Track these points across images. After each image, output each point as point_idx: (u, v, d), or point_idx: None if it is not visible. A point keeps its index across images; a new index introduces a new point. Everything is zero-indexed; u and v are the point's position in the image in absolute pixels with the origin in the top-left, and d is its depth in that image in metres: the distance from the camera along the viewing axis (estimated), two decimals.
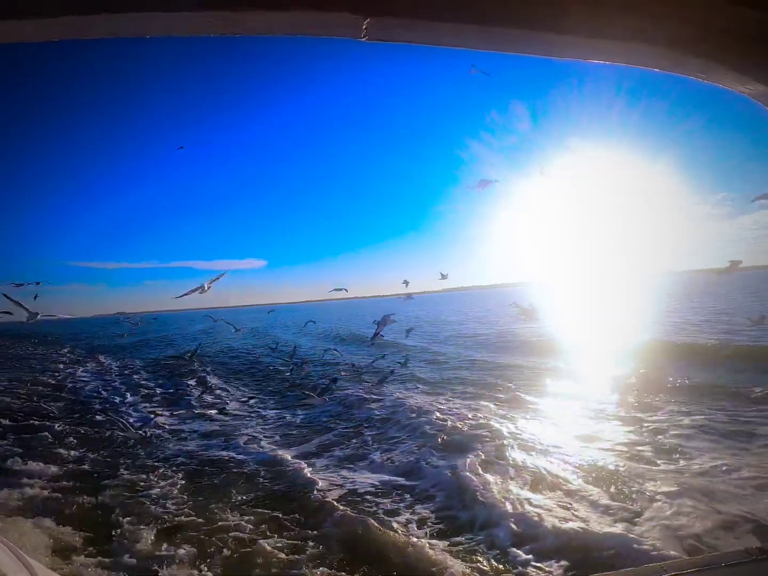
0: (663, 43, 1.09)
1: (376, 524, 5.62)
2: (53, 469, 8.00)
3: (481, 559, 4.90)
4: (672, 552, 4.53)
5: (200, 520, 6.01)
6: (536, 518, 5.46)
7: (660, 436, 7.85)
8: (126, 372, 20.98)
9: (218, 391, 15.08)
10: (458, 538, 5.33)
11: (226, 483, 7.23)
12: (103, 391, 16.14)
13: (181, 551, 5.27)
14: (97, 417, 12.06)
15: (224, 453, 8.62)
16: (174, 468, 7.94)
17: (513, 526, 5.39)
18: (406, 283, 15.37)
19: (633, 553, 4.65)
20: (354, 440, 8.97)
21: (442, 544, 5.22)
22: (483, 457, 7.32)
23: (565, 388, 11.79)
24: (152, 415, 11.94)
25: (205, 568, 5.03)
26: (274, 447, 8.80)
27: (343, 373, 15.17)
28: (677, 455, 7.04)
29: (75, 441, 9.84)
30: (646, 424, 8.52)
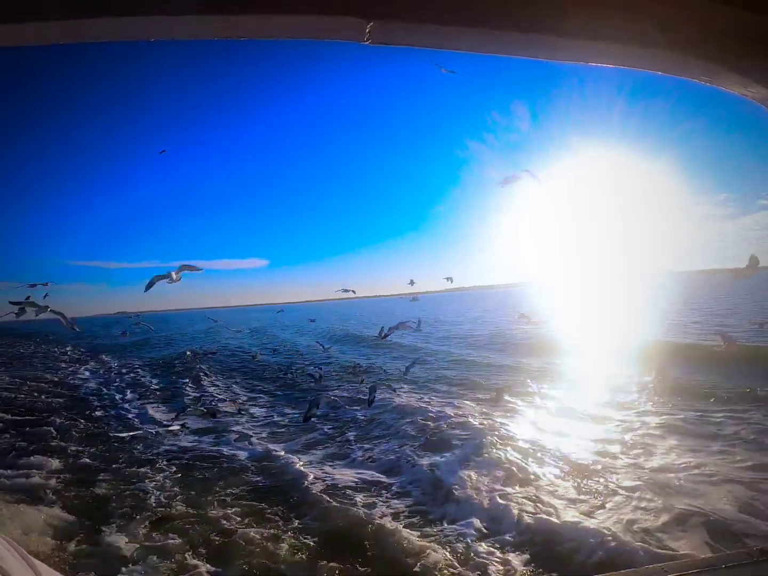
0: (664, 46, 1.10)
1: (356, 516, 5.96)
2: (55, 462, 8.39)
3: (449, 551, 5.20)
4: (672, 553, 4.64)
5: (190, 511, 6.35)
6: (504, 512, 5.79)
7: (630, 434, 8.18)
8: (126, 371, 21.39)
9: (212, 388, 15.49)
10: (429, 530, 5.65)
11: (216, 477, 7.58)
12: (103, 389, 16.58)
13: (171, 541, 5.59)
14: (97, 413, 12.51)
15: (215, 449, 9.00)
16: (167, 462, 8.32)
17: (481, 520, 5.71)
18: (412, 282, 15.55)
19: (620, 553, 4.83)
20: (338, 439, 9.30)
21: (416, 534, 5.54)
22: (460, 454, 7.66)
23: (551, 389, 12.10)
24: (149, 412, 12.40)
25: (194, 558, 5.35)
26: (264, 443, 9.17)
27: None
28: (641, 452, 7.35)
29: (76, 435, 10.27)
30: (621, 423, 8.86)
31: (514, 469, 6.91)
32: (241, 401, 13.28)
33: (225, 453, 8.72)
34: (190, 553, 5.39)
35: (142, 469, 7.93)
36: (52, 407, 13.47)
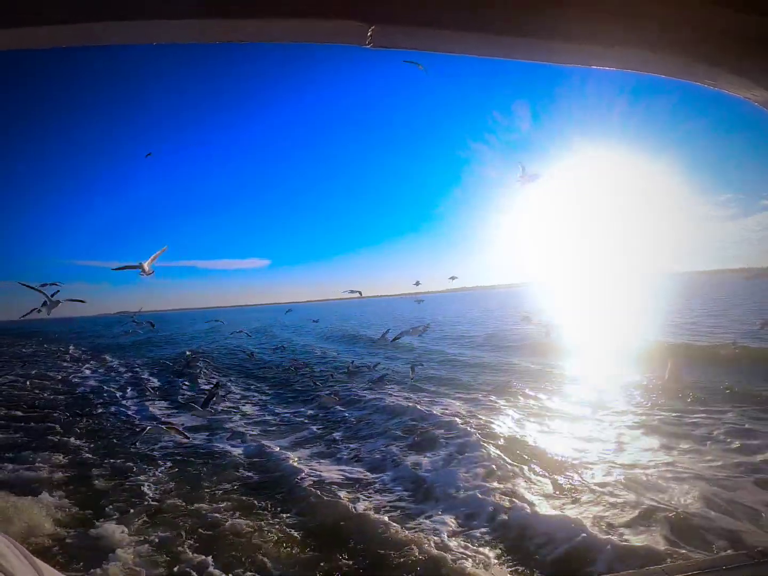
0: (665, 49, 1.10)
1: (340, 509, 6.23)
2: (58, 457, 8.74)
3: (425, 544, 5.43)
4: (673, 555, 4.70)
5: (185, 504, 6.62)
6: (481, 507, 6.05)
7: (610, 432, 8.47)
8: (126, 369, 21.73)
9: (207, 388, 15.80)
10: (408, 524, 5.90)
11: (209, 472, 7.87)
12: (104, 386, 16.97)
13: (165, 534, 5.85)
14: (99, 410, 12.95)
15: (209, 445, 9.33)
16: (163, 458, 8.65)
17: (457, 516, 5.96)
18: (417, 283, 15.76)
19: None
20: (327, 437, 9.56)
21: (394, 528, 5.79)
22: (445, 453, 7.94)
23: (538, 389, 12.34)
24: (148, 409, 12.77)
25: (188, 550, 5.59)
26: (257, 440, 9.45)
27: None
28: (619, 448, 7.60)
29: (77, 431, 10.62)
30: (601, 422, 9.12)
31: (494, 466, 7.17)
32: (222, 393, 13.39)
33: (218, 449, 9.02)
34: (183, 545, 5.59)
35: (140, 464, 8.26)
36: (55, 404, 13.86)
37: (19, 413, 12.58)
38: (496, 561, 5.07)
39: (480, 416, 9.71)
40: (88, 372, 21.27)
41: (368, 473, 7.56)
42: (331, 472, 7.66)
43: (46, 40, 0.92)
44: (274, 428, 10.61)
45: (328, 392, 12.55)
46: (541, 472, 6.93)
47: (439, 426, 9.27)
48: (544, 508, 5.90)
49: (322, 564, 5.20)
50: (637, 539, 5.01)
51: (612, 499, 5.91)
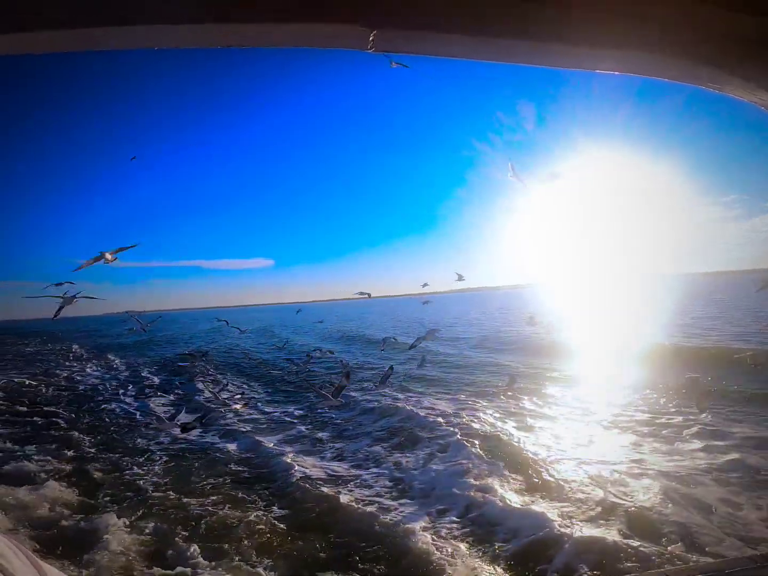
0: (669, 53, 1.09)
1: (325, 505, 6.58)
2: (61, 450, 9.24)
3: (398, 535, 5.77)
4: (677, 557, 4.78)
5: (176, 496, 7.01)
6: (456, 503, 6.40)
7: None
8: (129, 368, 22.23)
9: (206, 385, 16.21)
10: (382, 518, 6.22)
11: (201, 466, 8.28)
12: (106, 384, 17.53)
13: (156, 524, 6.20)
14: (101, 406, 13.52)
15: (203, 441, 9.74)
16: (160, 453, 9.09)
17: (430, 511, 6.30)
18: (425, 285, 16.06)
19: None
20: (314, 437, 9.91)
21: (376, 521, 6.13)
22: (427, 452, 8.31)
23: (527, 389, 12.67)
24: (149, 405, 13.26)
25: (177, 540, 5.93)
26: (248, 437, 9.84)
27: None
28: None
29: (82, 427, 11.14)
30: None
31: (470, 465, 7.50)
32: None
33: (211, 445, 9.45)
34: (175, 536, 5.90)
35: (138, 459, 8.72)
36: (60, 401, 14.42)
37: (25, 408, 13.15)
38: (465, 552, 5.39)
39: (463, 416, 10.05)
40: (91, 370, 21.78)
41: (351, 470, 7.90)
42: (316, 468, 8.02)
43: (47, 45, 0.93)
44: (264, 426, 11.00)
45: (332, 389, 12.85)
46: (515, 470, 7.26)
47: (424, 426, 9.64)
48: (515, 504, 6.23)
49: (303, 553, 5.53)
50: (595, 532, 5.33)
51: (578, 495, 6.25)
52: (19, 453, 9.03)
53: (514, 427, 9.22)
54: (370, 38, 0.97)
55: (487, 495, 6.48)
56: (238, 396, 14.33)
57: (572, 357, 16.97)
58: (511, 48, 1.08)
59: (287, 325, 48.98)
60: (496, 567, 5.06)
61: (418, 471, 7.54)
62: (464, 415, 10.02)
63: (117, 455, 8.93)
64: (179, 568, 5.23)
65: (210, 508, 6.64)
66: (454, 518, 6.07)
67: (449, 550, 5.40)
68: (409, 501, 6.64)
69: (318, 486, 7.22)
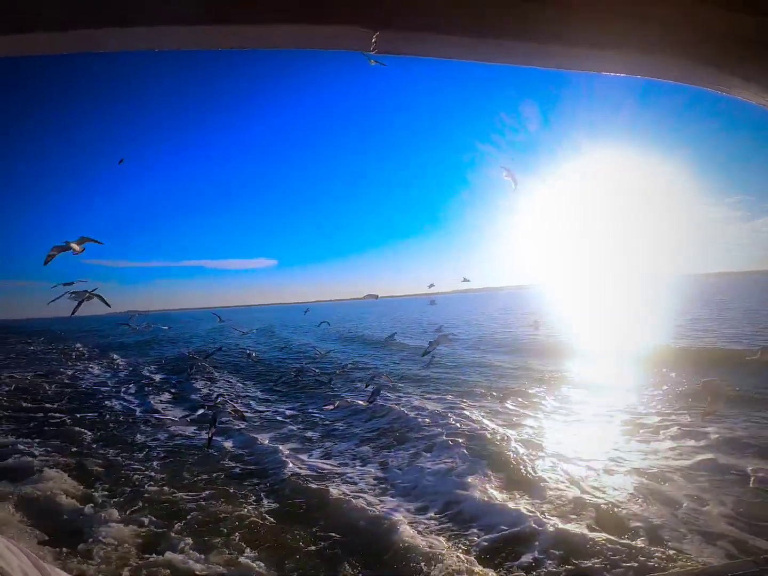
0: (674, 55, 1.09)
1: (313, 501, 6.85)
2: (64, 445, 9.63)
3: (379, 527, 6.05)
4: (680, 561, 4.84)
5: (171, 490, 7.31)
6: (437, 499, 6.68)
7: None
8: (131, 367, 22.64)
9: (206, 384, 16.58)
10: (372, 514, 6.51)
11: (196, 462, 8.60)
12: (108, 382, 18.01)
13: (150, 517, 6.49)
14: (104, 403, 13.93)
15: (197, 438, 10.06)
16: (157, 449, 9.43)
17: (409, 506, 6.58)
18: (431, 285, 16.26)
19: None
20: (303, 435, 10.21)
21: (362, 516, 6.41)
22: (413, 451, 8.59)
23: (511, 389, 12.97)
24: (150, 403, 13.71)
25: (171, 533, 6.20)
26: (243, 434, 10.15)
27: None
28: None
29: (84, 422, 11.53)
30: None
31: (454, 464, 7.78)
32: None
33: (204, 442, 9.72)
34: (168, 529, 6.15)
35: (136, 454, 9.10)
36: (65, 398, 14.83)
37: (29, 405, 13.57)
38: (443, 545, 5.65)
39: (450, 416, 10.31)
40: (94, 369, 22.20)
41: (339, 468, 8.17)
42: (306, 465, 8.30)
43: (48, 47, 0.93)
44: (257, 423, 11.33)
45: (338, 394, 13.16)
46: (496, 468, 7.50)
47: (412, 426, 9.93)
48: (493, 500, 6.48)
49: (292, 545, 5.79)
50: (567, 527, 5.59)
51: (554, 492, 6.51)
52: (21, 447, 9.38)
53: (499, 427, 9.46)
54: (373, 40, 0.97)
55: (466, 492, 6.74)
56: (233, 404, 14.65)
57: (570, 358, 17.23)
58: (513, 49, 1.07)
59: (287, 325, 49.41)
60: (470, 559, 5.31)
61: (403, 469, 7.82)
62: (451, 415, 10.28)
63: (116, 450, 9.29)
64: (169, 553, 5.51)
65: (203, 503, 6.93)
66: (434, 514, 6.34)
67: (428, 542, 5.65)
68: (392, 498, 6.90)
69: (307, 482, 7.50)
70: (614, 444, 8.16)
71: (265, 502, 6.97)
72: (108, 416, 12.31)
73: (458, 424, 9.64)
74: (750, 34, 1.07)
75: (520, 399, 11.47)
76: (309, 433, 10.34)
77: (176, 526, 6.32)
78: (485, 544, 5.58)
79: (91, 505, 6.83)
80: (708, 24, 1.05)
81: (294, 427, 10.87)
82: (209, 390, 15.87)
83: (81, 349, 32.01)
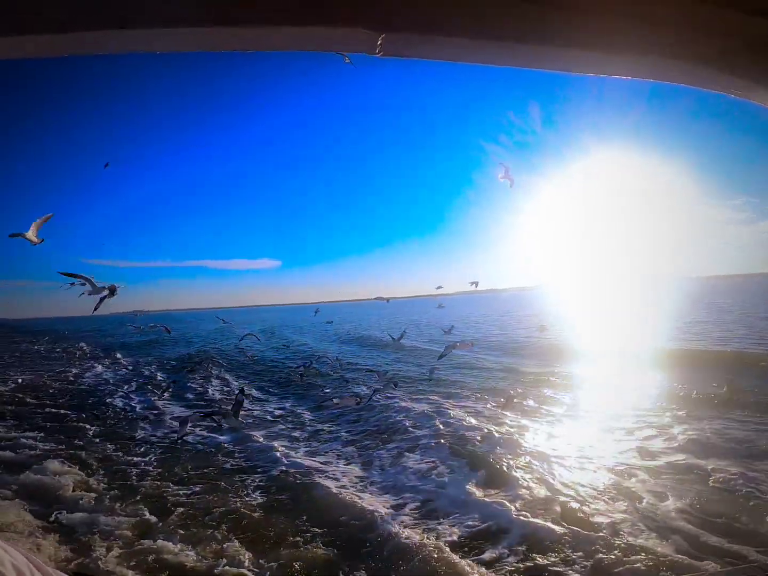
0: (674, 55, 1.08)
1: (298, 496, 7.21)
2: (66, 440, 10.10)
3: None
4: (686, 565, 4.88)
5: (166, 485, 7.68)
6: (416, 495, 7.03)
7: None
8: (135, 367, 23.18)
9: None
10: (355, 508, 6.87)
11: (190, 457, 9.04)
12: (111, 381, 18.57)
13: (143, 510, 6.84)
14: (106, 400, 14.51)
15: (196, 435, 10.44)
16: (154, 444, 9.90)
17: (388, 501, 6.93)
18: (439, 287, 16.35)
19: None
20: (296, 434, 10.61)
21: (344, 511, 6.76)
22: (397, 451, 8.95)
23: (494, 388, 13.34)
24: (151, 401, 14.21)
25: (164, 524, 6.52)
26: (238, 432, 10.50)
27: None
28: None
29: (87, 419, 12.03)
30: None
31: (435, 462, 8.18)
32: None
33: (202, 438, 10.21)
34: (160, 521, 6.45)
35: (135, 449, 9.54)
36: (68, 395, 15.34)
37: (35, 401, 14.11)
38: (418, 538, 5.95)
39: (435, 416, 10.71)
40: (99, 368, 22.71)
41: (326, 465, 8.52)
42: (294, 462, 8.64)
43: (48, 49, 0.92)
44: (250, 420, 11.73)
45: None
46: (476, 467, 7.80)
47: (398, 427, 10.29)
48: (469, 497, 6.82)
49: (280, 535, 6.11)
50: (535, 521, 5.93)
51: (524, 489, 6.83)
52: (24, 440, 9.91)
53: (483, 427, 9.78)
54: (378, 42, 0.97)
55: (444, 490, 7.09)
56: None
57: (567, 360, 17.55)
58: (523, 52, 1.07)
59: (288, 326, 49.96)
60: (444, 549, 5.63)
61: (386, 468, 8.19)
62: (436, 416, 10.65)
63: (115, 445, 9.75)
64: (161, 542, 5.84)
65: (196, 497, 7.29)
66: (411, 509, 6.66)
67: (406, 534, 5.97)
68: (373, 494, 7.23)
69: (295, 478, 7.86)
70: (589, 443, 8.48)
71: (254, 495, 7.33)
72: (109, 413, 12.86)
73: (442, 425, 9.97)
74: (755, 34, 1.05)
75: (502, 399, 11.80)
76: (297, 433, 10.71)
77: (169, 518, 6.63)
78: (458, 536, 5.90)
79: (91, 496, 7.22)
80: (712, 25, 1.04)
81: (284, 426, 11.27)
82: (207, 388, 16.35)
83: (85, 348, 32.51)
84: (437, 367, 14.83)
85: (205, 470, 8.37)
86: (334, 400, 11.59)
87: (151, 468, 8.49)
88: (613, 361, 15.76)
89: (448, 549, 5.61)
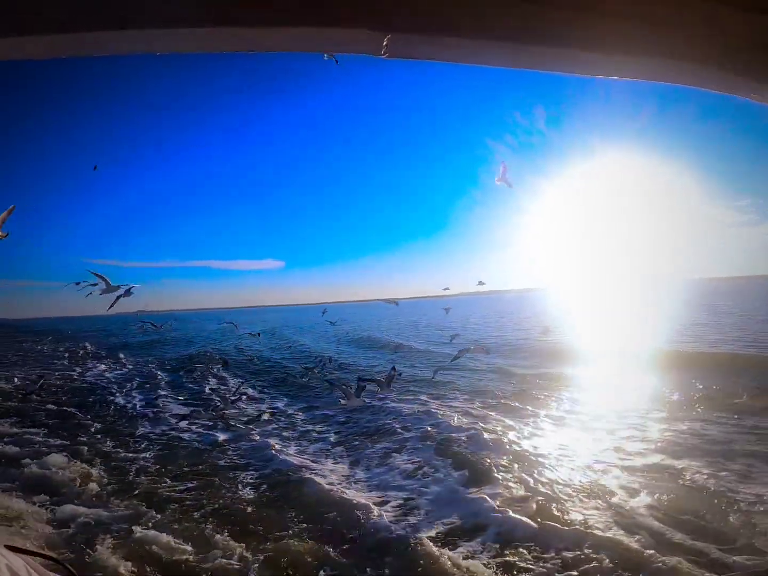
0: (678, 56, 1.07)
1: (295, 489, 7.54)
2: (68, 435, 10.55)
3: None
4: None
5: (161, 481, 8.00)
6: (400, 493, 7.31)
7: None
8: (138, 366, 23.61)
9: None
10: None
11: (186, 454, 9.40)
12: (114, 380, 19.02)
13: (140, 504, 7.14)
14: (108, 398, 14.96)
15: (187, 433, 10.82)
16: (152, 441, 10.26)
17: (375, 497, 7.21)
18: (446, 289, 16.42)
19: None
20: (287, 433, 10.93)
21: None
22: (384, 451, 9.26)
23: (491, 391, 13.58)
24: (153, 399, 14.65)
25: (159, 517, 6.80)
26: (235, 430, 10.88)
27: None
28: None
29: (90, 416, 12.50)
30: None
31: (420, 462, 8.49)
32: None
33: (198, 435, 10.58)
34: (153, 516, 6.68)
35: (133, 446, 9.92)
36: (71, 393, 15.85)
37: (39, 398, 14.53)
38: (400, 532, 6.24)
39: (423, 417, 11.04)
40: (101, 367, 23.17)
41: (315, 463, 8.80)
42: (285, 459, 8.93)
43: (48, 50, 0.92)
44: (245, 419, 11.96)
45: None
46: (459, 466, 8.06)
47: (386, 427, 10.62)
48: (450, 495, 7.09)
49: (265, 530, 6.38)
50: (513, 516, 6.18)
51: (507, 486, 7.09)
52: (28, 436, 10.33)
53: (470, 428, 10.03)
54: (384, 43, 0.96)
55: (427, 489, 7.37)
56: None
57: (564, 362, 17.71)
58: (531, 54, 1.07)
59: (290, 326, 50.37)
60: (423, 544, 5.87)
61: (372, 467, 8.47)
62: (425, 417, 10.95)
63: (116, 442, 10.13)
64: (156, 534, 6.09)
65: (192, 492, 7.59)
66: (395, 506, 6.94)
67: (389, 529, 6.20)
68: (361, 491, 7.50)
69: (287, 475, 8.14)
70: (569, 443, 8.76)
71: (246, 491, 7.62)
72: (111, 410, 13.30)
73: (429, 427, 10.22)
74: (760, 33, 1.04)
75: (489, 400, 12.08)
76: (288, 432, 11.02)
77: (165, 511, 6.90)
78: (437, 532, 6.14)
79: (91, 490, 7.55)
80: (716, 24, 1.03)
81: (278, 425, 11.57)
82: (205, 387, 16.73)
83: (89, 348, 32.97)
84: (442, 367, 15.08)
85: (201, 467, 8.68)
86: (342, 402, 11.81)
87: (149, 464, 8.84)
88: (606, 363, 16.01)
89: (428, 542, 5.87)
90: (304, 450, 9.71)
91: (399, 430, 10.25)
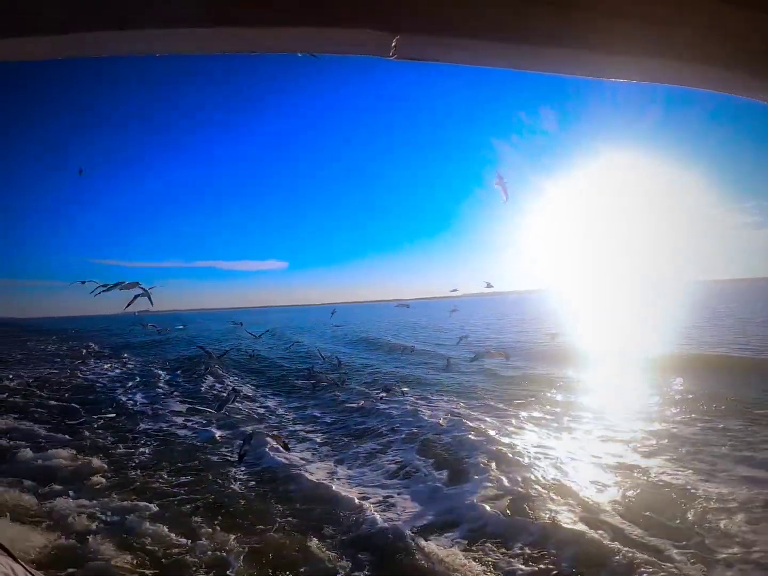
0: (683, 57, 1.06)
1: (283, 486, 7.87)
2: (71, 433, 10.98)
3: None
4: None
5: (158, 477, 8.33)
6: (385, 491, 7.65)
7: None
8: (141, 366, 24.11)
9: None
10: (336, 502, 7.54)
11: (183, 450, 9.77)
12: (117, 379, 19.46)
13: (135, 499, 7.49)
14: (109, 397, 15.39)
15: (183, 432, 11.19)
16: (151, 439, 10.63)
17: (359, 496, 7.58)
18: (454, 290, 16.76)
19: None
20: (281, 431, 11.28)
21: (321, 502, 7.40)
22: (370, 451, 9.60)
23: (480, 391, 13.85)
24: (154, 398, 15.01)
25: (156, 512, 7.11)
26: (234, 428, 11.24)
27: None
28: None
29: (92, 413, 12.92)
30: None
31: (405, 461, 8.83)
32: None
33: (194, 433, 10.98)
34: (147, 511, 6.95)
35: (133, 443, 10.29)
36: (76, 391, 16.28)
37: (44, 394, 15.15)
38: (380, 524, 6.53)
39: (410, 417, 11.37)
40: (105, 366, 23.65)
41: (304, 460, 9.14)
42: (279, 459, 9.21)
43: (49, 51, 0.92)
44: (240, 417, 12.44)
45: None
46: (441, 466, 8.41)
47: (375, 427, 10.96)
48: (432, 492, 7.41)
49: (254, 523, 6.67)
50: (487, 512, 6.49)
51: (484, 485, 7.39)
52: (32, 432, 10.80)
53: (454, 428, 10.37)
54: (392, 44, 0.96)
55: (408, 488, 7.70)
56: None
57: (562, 363, 17.97)
58: (539, 55, 1.06)
59: (291, 326, 50.82)
60: (403, 537, 6.17)
61: (355, 466, 8.81)
62: (411, 418, 11.30)
63: (116, 439, 10.53)
64: (149, 526, 6.44)
65: (185, 486, 7.94)
66: (376, 501, 7.26)
67: (370, 521, 6.52)
68: (345, 488, 7.81)
69: (275, 472, 8.50)
70: (546, 442, 9.07)
71: (236, 486, 7.96)
72: (113, 407, 13.72)
73: (415, 429, 10.52)
74: (766, 33, 1.03)
75: (476, 401, 12.39)
76: (285, 431, 11.36)
77: (160, 505, 7.22)
78: (414, 526, 6.44)
79: (90, 483, 7.94)
80: (720, 24, 1.02)
81: (274, 423, 11.97)
82: (208, 386, 17.16)
83: (93, 347, 33.51)
84: (451, 360, 15.88)
85: (195, 462, 9.07)
86: (360, 403, 12.14)
87: (146, 459, 9.24)
88: (596, 366, 16.27)
89: (407, 536, 6.15)
90: (297, 448, 10.05)
91: (385, 432, 10.55)
